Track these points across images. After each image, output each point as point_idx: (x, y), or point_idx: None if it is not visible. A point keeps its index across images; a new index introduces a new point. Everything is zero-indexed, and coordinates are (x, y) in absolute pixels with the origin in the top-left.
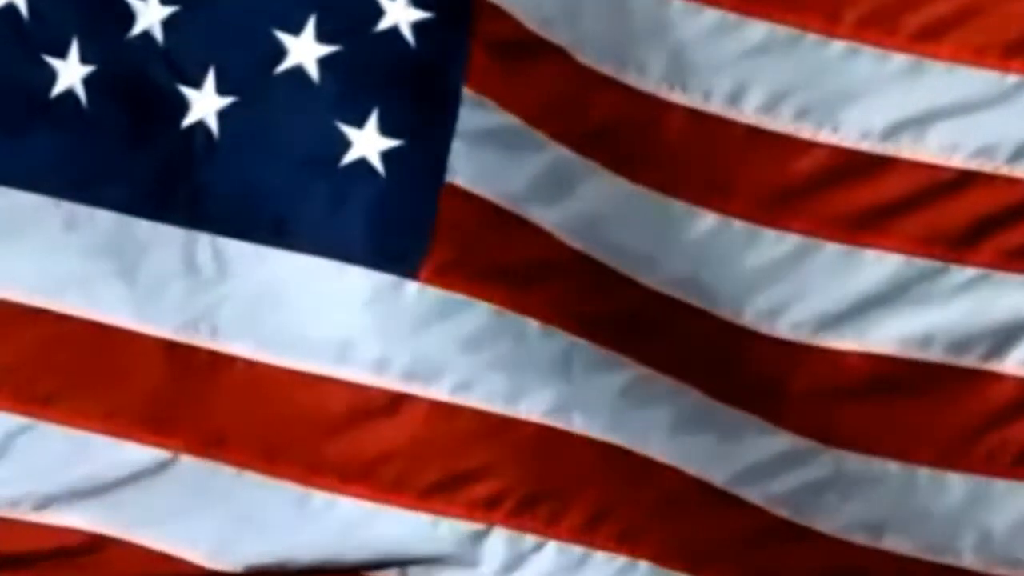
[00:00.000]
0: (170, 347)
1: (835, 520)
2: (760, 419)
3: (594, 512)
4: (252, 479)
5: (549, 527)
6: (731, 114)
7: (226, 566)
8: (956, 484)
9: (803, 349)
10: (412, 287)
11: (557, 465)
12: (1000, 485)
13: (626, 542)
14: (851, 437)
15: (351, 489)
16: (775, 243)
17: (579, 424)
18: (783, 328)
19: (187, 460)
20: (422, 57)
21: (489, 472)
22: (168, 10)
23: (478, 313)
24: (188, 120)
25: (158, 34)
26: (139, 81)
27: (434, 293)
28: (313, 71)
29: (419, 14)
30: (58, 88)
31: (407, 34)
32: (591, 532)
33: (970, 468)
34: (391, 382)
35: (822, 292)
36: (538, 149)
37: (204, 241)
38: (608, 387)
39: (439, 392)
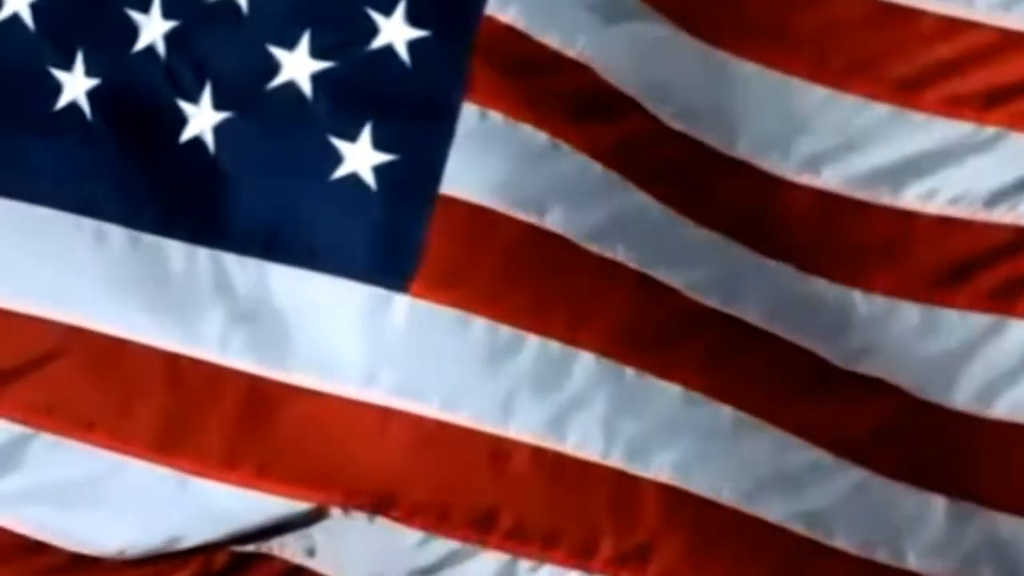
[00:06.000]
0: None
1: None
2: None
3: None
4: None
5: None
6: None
7: None
8: None
9: None
10: (403, 301)
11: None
12: None
13: None
14: None
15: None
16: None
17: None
18: None
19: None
20: (418, 74)
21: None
22: (169, 24)
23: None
24: (186, 135)
25: (160, 48)
26: (142, 96)
27: (425, 307)
28: (306, 87)
29: (415, 32)
30: (63, 100)
31: (402, 53)
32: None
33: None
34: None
35: None
36: (558, 156)
37: (203, 255)
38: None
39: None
